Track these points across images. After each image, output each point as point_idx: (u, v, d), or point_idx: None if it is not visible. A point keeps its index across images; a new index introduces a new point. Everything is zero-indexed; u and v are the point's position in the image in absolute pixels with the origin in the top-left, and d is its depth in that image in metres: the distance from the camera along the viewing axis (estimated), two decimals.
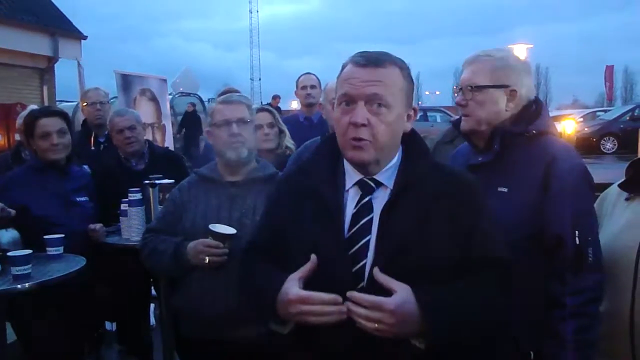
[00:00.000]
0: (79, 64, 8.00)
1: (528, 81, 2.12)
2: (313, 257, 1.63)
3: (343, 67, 1.70)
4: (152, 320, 4.85)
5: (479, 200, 1.71)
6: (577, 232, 1.90)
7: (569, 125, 20.03)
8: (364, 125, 1.61)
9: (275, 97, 18.77)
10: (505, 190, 2.01)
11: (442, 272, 1.60)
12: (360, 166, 1.69)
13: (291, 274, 1.63)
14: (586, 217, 1.96)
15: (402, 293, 1.52)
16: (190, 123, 13.94)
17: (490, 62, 2.09)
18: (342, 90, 1.67)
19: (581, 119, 22.94)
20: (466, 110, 2.13)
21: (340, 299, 1.55)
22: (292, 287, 1.61)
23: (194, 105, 15.26)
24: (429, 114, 23.70)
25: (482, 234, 1.66)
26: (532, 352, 1.98)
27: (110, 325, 4.80)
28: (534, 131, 2.04)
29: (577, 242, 1.90)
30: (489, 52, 2.12)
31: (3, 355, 3.12)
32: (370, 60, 1.64)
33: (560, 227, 1.92)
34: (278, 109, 17.73)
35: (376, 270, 1.56)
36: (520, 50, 22.54)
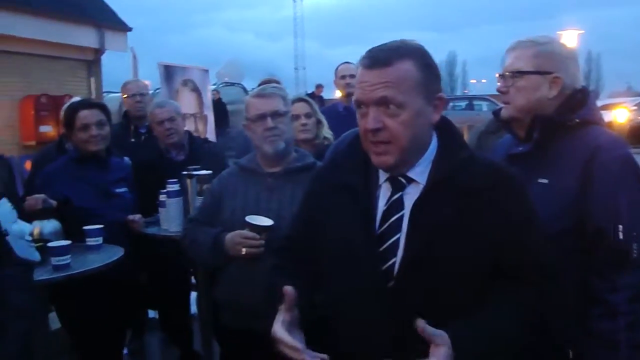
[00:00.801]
0: (134, 56, 8.12)
1: (573, 69, 2.02)
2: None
3: (358, 69, 1.63)
4: (194, 309, 4.91)
5: (520, 197, 1.60)
6: (620, 226, 1.81)
7: (621, 114, 19.39)
8: (378, 129, 1.55)
9: (319, 87, 18.76)
10: (546, 181, 1.93)
11: (475, 275, 1.53)
12: (387, 170, 1.63)
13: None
14: (632, 210, 1.85)
15: (442, 349, 1.42)
16: (216, 112, 13.57)
17: (534, 48, 2.01)
18: (355, 94, 1.61)
19: (635, 107, 22.09)
20: (506, 97, 2.06)
21: None
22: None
23: (218, 92, 15.12)
24: (474, 102, 23.22)
25: (521, 235, 1.56)
26: (570, 351, 1.90)
27: (153, 313, 4.89)
28: (577, 120, 1.95)
29: (621, 237, 1.81)
30: (532, 38, 2.04)
31: (48, 343, 3.20)
32: (377, 61, 1.55)
33: (601, 220, 1.84)
34: (321, 98, 17.76)
35: (421, 322, 1.43)
36: (571, 37, 21.98)
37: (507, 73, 2.04)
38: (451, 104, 23.82)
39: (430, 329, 1.42)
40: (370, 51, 1.60)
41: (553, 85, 1.99)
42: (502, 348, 1.50)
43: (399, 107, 1.53)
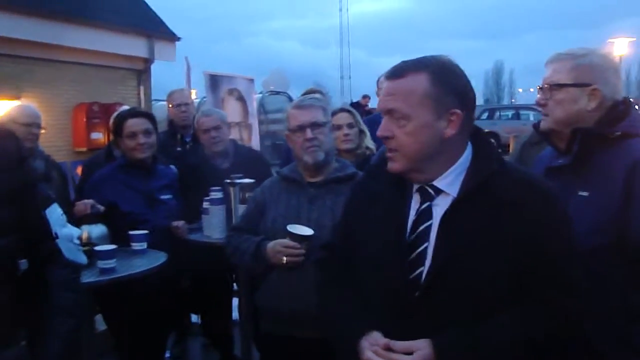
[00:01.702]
0: (187, 66, 8.28)
1: (614, 80, 2.00)
2: None
3: None
4: (235, 315, 4.96)
5: (551, 213, 1.58)
6: None
7: None
8: (386, 137, 1.62)
9: (365, 97, 18.81)
10: (586, 194, 1.90)
11: (500, 288, 1.53)
12: (400, 175, 1.68)
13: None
14: None
15: (424, 350, 1.52)
16: None
17: (572, 61, 2.00)
18: None
19: None
20: (545, 109, 2.05)
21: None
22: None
23: None
24: (521, 112, 22.76)
25: (548, 251, 1.55)
26: None
27: (196, 318, 4.97)
28: (618, 133, 1.91)
29: None
30: (570, 51, 2.03)
31: (93, 343, 3.29)
32: (394, 73, 1.63)
33: None
34: (367, 109, 17.76)
35: (394, 342, 1.57)
36: (622, 44, 21.40)
37: (546, 86, 2.04)
38: (497, 113, 23.48)
39: (405, 343, 1.53)
40: (398, 63, 1.66)
41: (592, 97, 1.97)
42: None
43: (405, 119, 1.59)
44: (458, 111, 1.60)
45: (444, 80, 1.60)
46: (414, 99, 1.58)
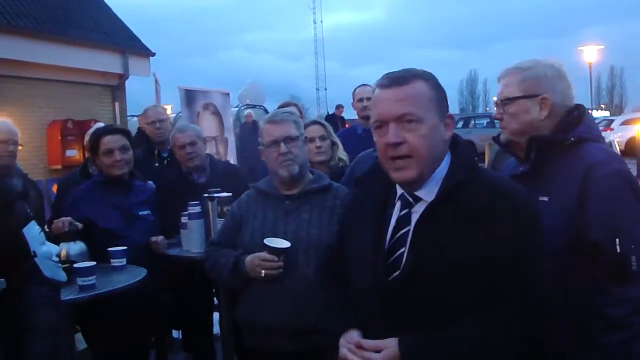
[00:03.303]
0: (156, 81, 8.26)
1: (561, 88, 2.09)
2: None
3: (373, 92, 1.75)
4: (217, 329, 4.96)
5: (520, 223, 1.62)
6: (617, 239, 1.84)
7: None
8: (399, 143, 1.64)
9: (339, 107, 18.88)
10: (546, 199, 1.98)
11: (467, 295, 1.60)
12: (406, 185, 1.72)
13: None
14: (629, 224, 1.89)
15: (391, 349, 1.60)
16: (249, 135, 13.74)
17: (519, 74, 2.10)
18: (373, 115, 1.72)
19: None
20: (502, 123, 2.15)
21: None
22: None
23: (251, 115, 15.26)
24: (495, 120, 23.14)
25: (516, 262, 1.60)
26: None
27: (177, 333, 4.95)
28: (572, 139, 2.00)
29: (618, 250, 1.84)
30: (518, 65, 2.13)
31: None
32: (394, 80, 1.67)
33: (598, 234, 1.88)
34: (342, 118, 17.85)
35: (364, 341, 1.67)
36: (591, 52, 21.84)
37: (499, 101, 2.14)
38: (472, 121, 23.77)
39: (375, 341, 1.63)
40: (386, 74, 1.73)
41: (542, 106, 2.07)
42: None
43: (418, 122, 1.64)
44: (451, 114, 1.71)
45: (437, 85, 1.70)
46: (423, 103, 1.65)
